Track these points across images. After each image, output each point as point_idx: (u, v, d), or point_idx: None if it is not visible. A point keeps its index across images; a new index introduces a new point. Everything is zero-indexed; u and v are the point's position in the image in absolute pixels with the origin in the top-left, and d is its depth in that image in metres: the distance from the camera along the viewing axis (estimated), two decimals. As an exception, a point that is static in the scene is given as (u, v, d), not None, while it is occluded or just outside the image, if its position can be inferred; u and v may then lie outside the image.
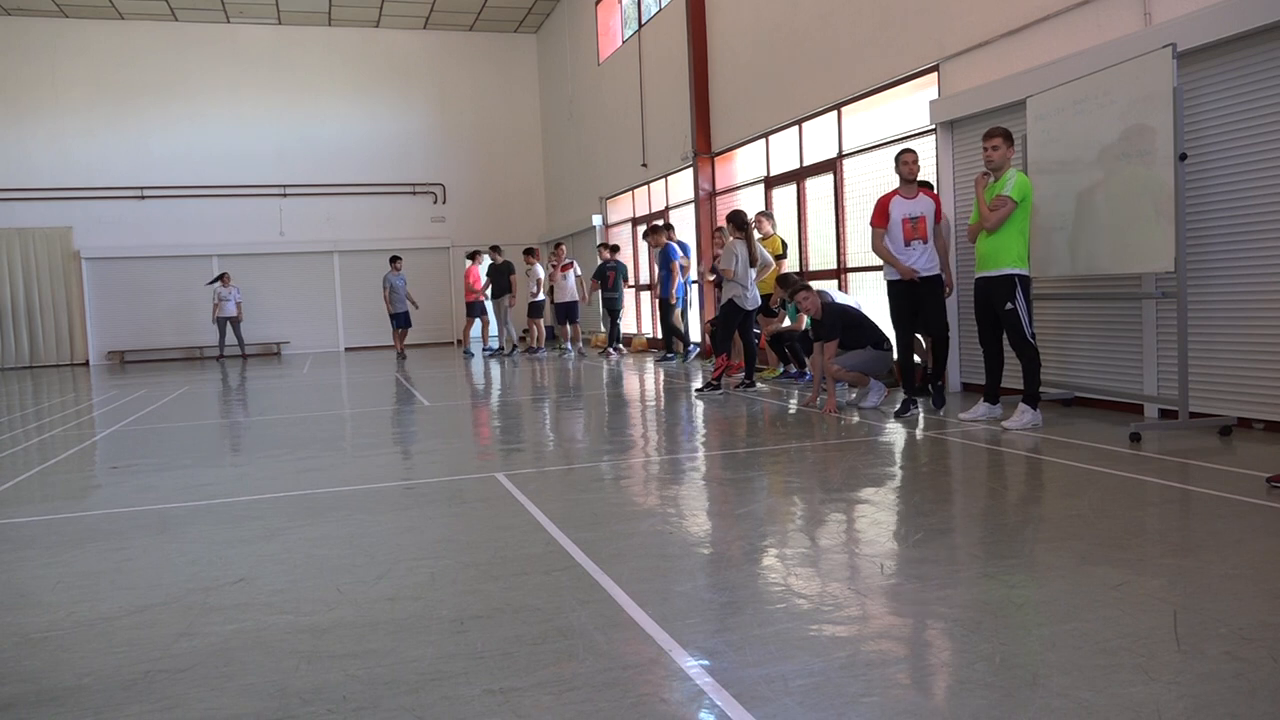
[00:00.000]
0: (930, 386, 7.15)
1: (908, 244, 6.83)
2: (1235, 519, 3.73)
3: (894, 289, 6.95)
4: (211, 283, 18.77)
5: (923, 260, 6.83)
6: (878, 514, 4.15)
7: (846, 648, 2.55)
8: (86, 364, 19.12)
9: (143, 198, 19.51)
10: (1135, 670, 2.32)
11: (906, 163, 6.89)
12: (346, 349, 20.47)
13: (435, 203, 21.37)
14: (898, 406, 6.93)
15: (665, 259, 12.32)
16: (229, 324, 18.58)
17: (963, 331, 8.06)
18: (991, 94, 7.42)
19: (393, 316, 16.87)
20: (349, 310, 20.61)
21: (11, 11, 18.43)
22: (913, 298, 6.89)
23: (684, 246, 12.81)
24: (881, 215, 6.88)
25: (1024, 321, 6.12)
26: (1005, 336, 6.30)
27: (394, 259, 17.03)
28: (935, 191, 7.76)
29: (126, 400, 10.84)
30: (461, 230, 21.48)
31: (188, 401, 10.49)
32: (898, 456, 5.44)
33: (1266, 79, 5.42)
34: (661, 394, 9.39)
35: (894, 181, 7.04)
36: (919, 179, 7.08)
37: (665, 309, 12.51)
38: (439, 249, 21.37)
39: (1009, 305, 6.12)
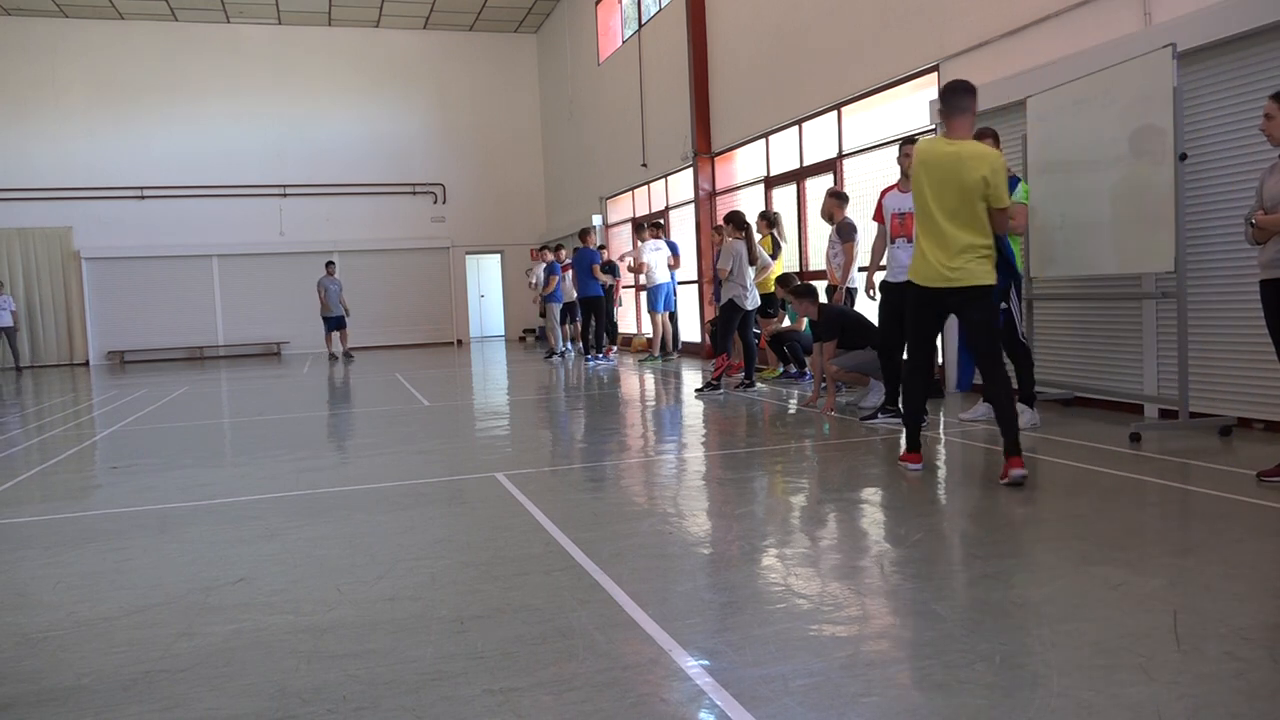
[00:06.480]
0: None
1: (893, 241, 6.49)
2: (1235, 519, 3.73)
3: (883, 289, 6.72)
4: None
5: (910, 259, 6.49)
6: (877, 514, 4.15)
7: (846, 648, 2.55)
8: (86, 364, 19.13)
9: (143, 198, 19.52)
10: (1135, 670, 2.32)
11: (908, 154, 6.40)
12: (344, 351, 20.44)
13: (435, 203, 21.37)
14: (866, 412, 6.76)
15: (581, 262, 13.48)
16: (4, 335, 17.50)
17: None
18: (991, 94, 7.41)
19: (325, 320, 16.97)
20: (349, 310, 20.55)
21: (11, 11, 18.43)
22: (899, 303, 6.37)
23: (673, 246, 12.91)
24: (877, 210, 6.78)
25: (1016, 323, 6.13)
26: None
27: (329, 263, 17.38)
28: None
29: (126, 400, 10.84)
30: (461, 230, 21.48)
31: (188, 401, 10.49)
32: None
33: (1266, 79, 5.42)
34: (661, 394, 9.39)
35: (894, 179, 7.01)
36: None
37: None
38: (439, 249, 21.38)
39: (1003, 305, 6.12)
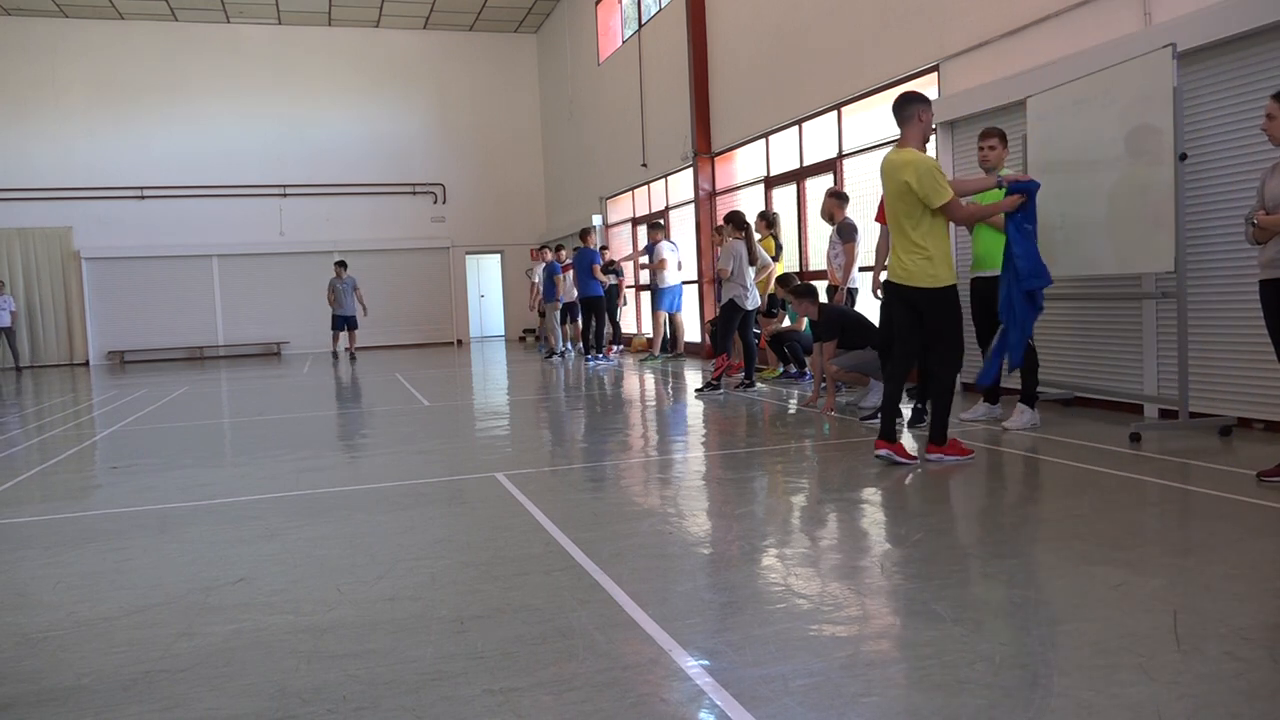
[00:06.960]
0: (916, 405, 6.57)
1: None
2: (1235, 519, 3.73)
3: (885, 289, 6.71)
4: None
5: None
6: (877, 514, 4.15)
7: (846, 648, 2.55)
8: (86, 364, 19.12)
9: (143, 198, 19.52)
10: (1135, 670, 2.32)
11: None
12: (347, 349, 20.43)
13: (435, 203, 21.37)
14: (866, 412, 6.78)
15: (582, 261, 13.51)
16: (3, 335, 17.67)
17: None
18: (991, 94, 7.42)
19: (334, 319, 16.83)
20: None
21: (11, 11, 18.43)
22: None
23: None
24: (880, 211, 6.78)
25: None
26: None
27: (339, 263, 17.27)
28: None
29: (126, 400, 10.84)
30: (461, 230, 21.48)
31: (188, 401, 10.49)
32: (898, 456, 5.43)
33: (1266, 79, 5.42)
34: (661, 394, 9.39)
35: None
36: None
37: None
38: (439, 249, 21.38)
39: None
